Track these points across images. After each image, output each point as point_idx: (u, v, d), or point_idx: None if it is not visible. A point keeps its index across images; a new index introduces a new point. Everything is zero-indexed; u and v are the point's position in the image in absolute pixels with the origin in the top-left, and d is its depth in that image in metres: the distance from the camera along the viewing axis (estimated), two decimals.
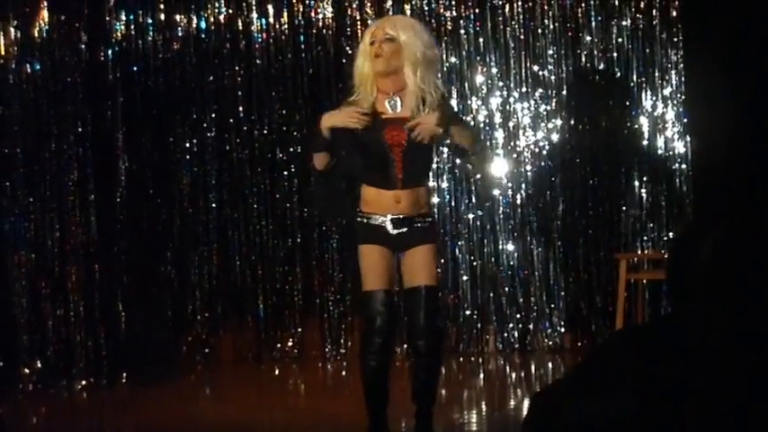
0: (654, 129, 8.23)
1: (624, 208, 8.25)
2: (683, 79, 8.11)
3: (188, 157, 8.32)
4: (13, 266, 7.70)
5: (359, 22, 8.22)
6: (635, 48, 8.21)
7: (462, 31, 8.26)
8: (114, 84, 7.99)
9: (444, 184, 8.31)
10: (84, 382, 7.69)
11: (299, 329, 8.44)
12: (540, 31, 8.24)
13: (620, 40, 8.22)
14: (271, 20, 8.27)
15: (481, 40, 8.27)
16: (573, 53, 8.24)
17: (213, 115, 8.31)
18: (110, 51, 8.02)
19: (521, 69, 8.28)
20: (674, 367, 2.49)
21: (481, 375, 8.02)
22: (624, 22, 8.21)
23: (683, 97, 8.13)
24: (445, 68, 8.14)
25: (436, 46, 5.62)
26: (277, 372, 8.26)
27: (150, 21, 8.21)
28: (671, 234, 8.16)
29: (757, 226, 2.51)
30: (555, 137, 8.29)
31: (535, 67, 8.27)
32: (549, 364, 8.05)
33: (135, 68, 8.18)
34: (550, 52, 8.25)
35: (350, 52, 7.98)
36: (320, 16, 8.27)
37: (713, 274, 2.51)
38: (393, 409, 5.50)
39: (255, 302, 8.39)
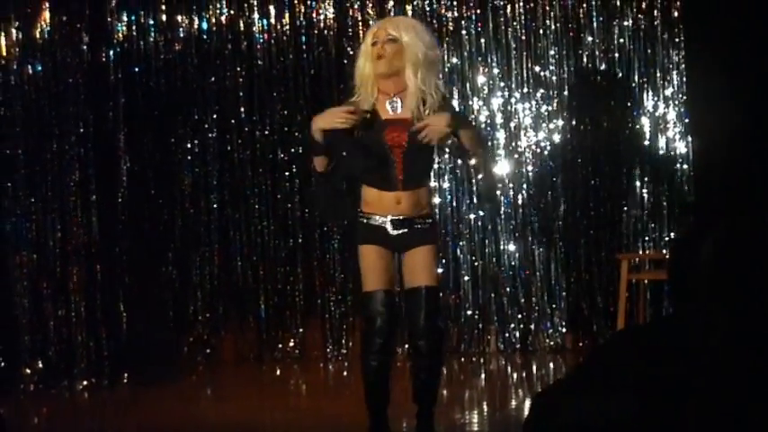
0: (655, 129, 8.23)
1: (625, 208, 8.25)
2: (684, 80, 8.12)
3: (189, 157, 8.32)
4: (14, 267, 7.70)
5: (360, 23, 8.22)
6: (636, 48, 8.21)
7: (464, 32, 8.26)
8: (116, 84, 7.99)
9: (446, 185, 8.31)
10: (85, 383, 7.69)
11: (301, 330, 8.44)
12: (541, 31, 8.24)
13: (621, 40, 8.22)
14: (272, 21, 8.27)
15: (483, 40, 8.27)
16: (574, 54, 8.24)
17: (215, 116, 8.31)
18: (111, 52, 8.02)
19: (522, 70, 8.28)
20: (676, 367, 2.50)
21: (482, 375, 8.01)
22: (626, 23, 8.21)
23: (685, 98, 8.13)
24: (447, 69, 8.15)
25: (438, 47, 5.61)
26: (278, 372, 8.26)
27: (152, 22, 8.21)
28: (672, 234, 8.17)
29: (758, 226, 2.52)
30: (556, 137, 8.29)
31: (536, 68, 8.27)
32: (551, 365, 8.04)
33: (136, 69, 8.18)
34: (552, 53, 8.25)
35: (351, 53, 7.98)
36: (321, 17, 8.27)
37: (714, 274, 2.51)
38: (394, 410, 5.50)
39: (257, 303, 8.39)
